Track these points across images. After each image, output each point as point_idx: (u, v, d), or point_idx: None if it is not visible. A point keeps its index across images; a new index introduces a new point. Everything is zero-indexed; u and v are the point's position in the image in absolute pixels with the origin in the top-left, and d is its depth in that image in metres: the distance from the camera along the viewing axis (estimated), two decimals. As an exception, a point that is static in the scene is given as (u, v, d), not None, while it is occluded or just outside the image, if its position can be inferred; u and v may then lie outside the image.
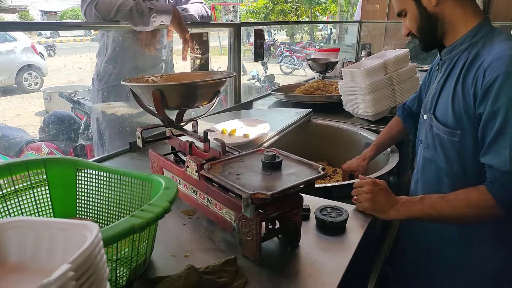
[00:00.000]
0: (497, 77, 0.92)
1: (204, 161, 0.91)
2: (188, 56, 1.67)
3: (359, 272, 0.96)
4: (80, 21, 1.45)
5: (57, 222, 0.47)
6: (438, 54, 1.17)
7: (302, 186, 0.78)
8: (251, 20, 17.10)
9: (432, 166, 1.14)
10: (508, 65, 0.91)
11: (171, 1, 1.74)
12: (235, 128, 1.54)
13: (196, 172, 0.92)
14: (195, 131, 1.10)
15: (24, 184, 0.86)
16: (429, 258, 1.18)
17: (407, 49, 1.91)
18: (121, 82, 1.04)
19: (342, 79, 2.01)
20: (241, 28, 2.07)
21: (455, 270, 1.13)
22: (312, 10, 17.74)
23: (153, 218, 0.64)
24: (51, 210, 0.89)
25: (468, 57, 1.02)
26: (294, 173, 0.81)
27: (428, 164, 1.16)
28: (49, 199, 0.89)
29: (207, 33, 1.77)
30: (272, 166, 0.83)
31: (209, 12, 1.72)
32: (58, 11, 21.43)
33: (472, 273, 1.10)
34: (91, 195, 0.90)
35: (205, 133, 0.99)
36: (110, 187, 0.88)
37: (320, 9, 17.90)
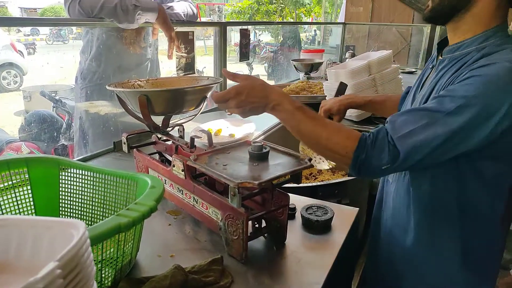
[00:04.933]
0: (476, 75, 0.79)
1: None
2: (174, 55, 1.66)
3: (344, 270, 0.98)
4: (64, 17, 1.42)
5: (42, 220, 0.46)
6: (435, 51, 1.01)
7: (289, 176, 0.79)
8: (236, 19, 17.12)
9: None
10: (498, 71, 0.78)
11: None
12: (221, 128, 1.54)
13: (182, 171, 0.92)
14: (181, 136, 1.09)
15: (5, 184, 0.84)
16: (400, 276, 1.08)
17: (390, 50, 1.95)
18: (106, 87, 1.02)
19: (326, 79, 2.03)
20: (227, 28, 2.07)
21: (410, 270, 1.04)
22: (296, 12, 17.86)
23: (139, 217, 0.64)
24: (33, 210, 0.87)
25: (466, 63, 0.87)
26: (281, 164, 0.81)
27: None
28: (31, 199, 0.87)
29: (193, 32, 1.76)
30: (259, 157, 0.83)
31: (195, 11, 1.71)
32: (38, 8, 20.95)
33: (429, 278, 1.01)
34: (74, 195, 0.89)
35: (192, 139, 0.98)
36: (94, 187, 0.87)
37: (305, 10, 18.05)
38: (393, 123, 0.84)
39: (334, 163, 0.90)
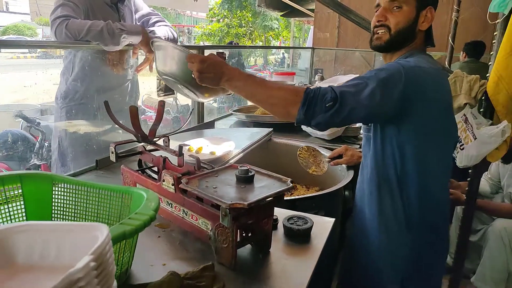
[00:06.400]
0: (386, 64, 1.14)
1: (180, 175, 0.97)
2: (154, 77, 1.73)
3: (324, 273, 1.05)
4: (51, 40, 1.46)
5: (63, 224, 0.51)
6: None
7: (274, 197, 0.87)
8: (206, 42, 17.36)
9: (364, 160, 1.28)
10: (400, 61, 1.11)
11: (138, 23, 1.80)
12: (202, 146, 1.60)
13: (172, 185, 0.97)
14: (167, 146, 1.15)
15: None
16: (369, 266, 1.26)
17: (358, 74, 2.09)
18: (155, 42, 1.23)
19: (299, 101, 2.15)
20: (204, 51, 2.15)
21: (375, 259, 1.23)
22: (265, 35, 18.36)
23: (141, 225, 0.69)
24: (26, 225, 0.90)
25: None
26: (265, 186, 0.89)
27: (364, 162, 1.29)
28: (23, 213, 0.90)
29: (173, 55, 1.83)
30: (246, 180, 0.91)
31: (176, 35, 1.79)
32: (1, 26, 20.34)
33: (385, 260, 1.20)
34: (67, 210, 0.92)
35: (180, 147, 1.04)
36: (87, 201, 0.90)
37: (273, 34, 18.60)
38: (333, 86, 1.08)
39: (283, 115, 1.11)
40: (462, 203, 1.98)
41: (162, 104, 1.22)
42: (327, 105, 1.03)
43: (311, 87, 1.08)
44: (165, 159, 1.09)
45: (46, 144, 2.48)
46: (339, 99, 1.03)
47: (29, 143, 2.61)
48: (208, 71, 1.09)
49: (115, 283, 0.49)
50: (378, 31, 1.18)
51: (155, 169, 1.18)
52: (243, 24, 17.86)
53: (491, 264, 2.17)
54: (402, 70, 1.06)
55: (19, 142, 2.56)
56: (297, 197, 1.31)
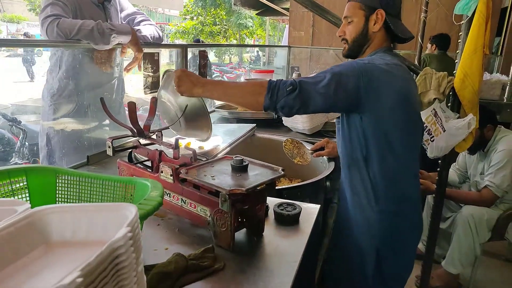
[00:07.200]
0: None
1: (178, 166, 1.04)
2: (141, 74, 1.77)
3: (312, 254, 1.14)
4: (43, 39, 1.48)
5: (93, 205, 0.57)
6: None
7: (268, 183, 0.95)
8: (180, 40, 17.23)
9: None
10: (357, 60, 1.28)
11: (124, 22, 1.83)
12: (190, 141, 1.66)
13: (170, 176, 1.04)
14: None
15: (5, 190, 0.90)
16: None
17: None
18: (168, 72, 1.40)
19: (280, 97, 2.24)
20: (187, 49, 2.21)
21: (354, 234, 1.37)
22: (240, 33, 18.40)
23: (151, 209, 0.75)
24: (31, 216, 0.94)
25: None
26: (259, 174, 0.97)
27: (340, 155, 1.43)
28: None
29: (158, 53, 1.88)
30: (241, 169, 0.98)
31: (161, 34, 1.84)
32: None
33: (363, 233, 1.35)
34: (71, 201, 0.96)
35: (177, 140, 1.11)
36: (91, 193, 0.95)
37: (248, 32, 18.67)
38: (294, 77, 1.24)
39: (253, 104, 1.26)
40: (433, 192, 2.13)
41: (154, 101, 1.28)
42: (287, 89, 1.18)
43: (272, 81, 1.24)
44: (161, 152, 1.15)
45: (27, 144, 2.46)
46: (298, 85, 1.18)
47: (10, 142, 2.58)
48: (186, 79, 1.28)
49: (142, 255, 0.55)
50: (344, 44, 1.39)
51: (147, 163, 1.24)
52: (217, 22, 17.83)
53: (459, 249, 2.33)
54: (356, 66, 1.21)
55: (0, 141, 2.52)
56: (284, 186, 1.39)
